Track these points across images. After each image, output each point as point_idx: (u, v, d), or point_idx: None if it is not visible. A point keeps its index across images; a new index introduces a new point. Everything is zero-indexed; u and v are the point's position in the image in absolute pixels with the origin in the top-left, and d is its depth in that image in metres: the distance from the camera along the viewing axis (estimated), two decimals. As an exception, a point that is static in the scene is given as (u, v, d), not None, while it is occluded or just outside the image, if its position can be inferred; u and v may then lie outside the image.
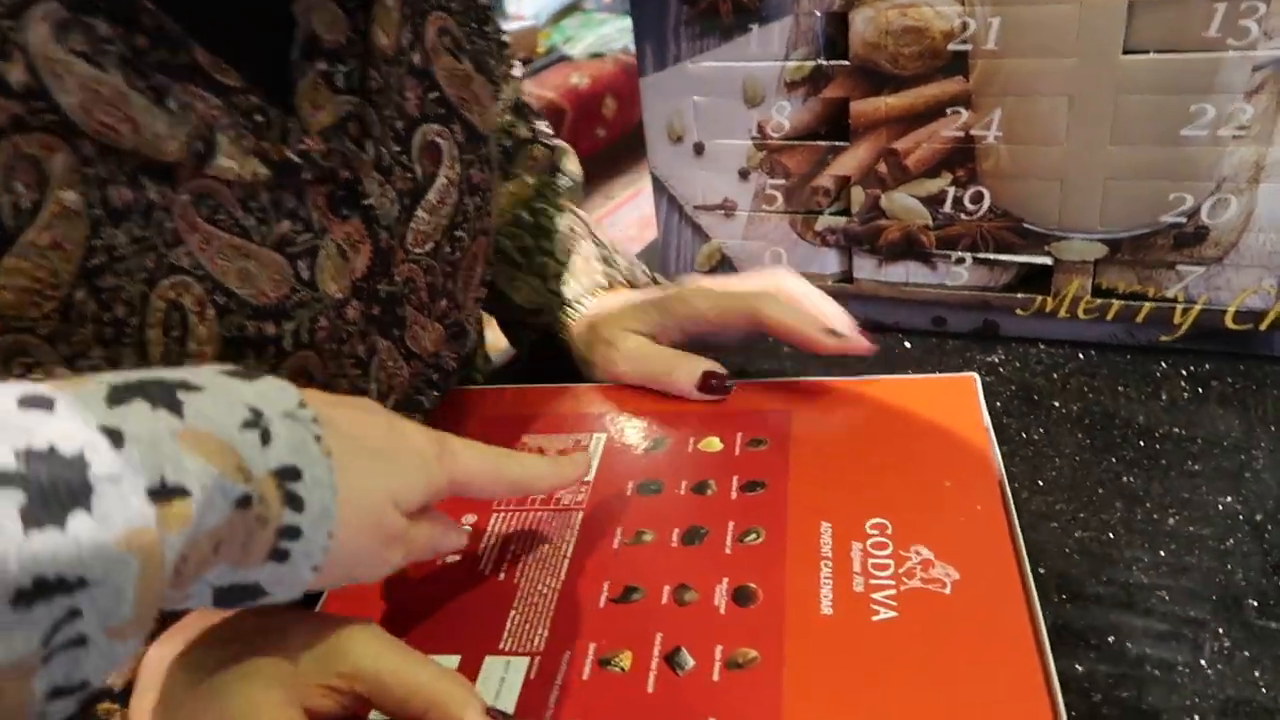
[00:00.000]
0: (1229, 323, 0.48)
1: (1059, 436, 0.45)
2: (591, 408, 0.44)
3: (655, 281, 0.54)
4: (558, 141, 0.60)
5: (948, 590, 0.32)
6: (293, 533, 0.25)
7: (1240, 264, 0.47)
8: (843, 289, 0.56)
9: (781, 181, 0.54)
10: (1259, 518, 0.39)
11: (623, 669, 0.31)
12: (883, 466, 0.38)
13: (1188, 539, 0.39)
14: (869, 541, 0.34)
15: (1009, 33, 0.45)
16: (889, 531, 0.34)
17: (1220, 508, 0.40)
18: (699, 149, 0.55)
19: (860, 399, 0.39)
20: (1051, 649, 0.30)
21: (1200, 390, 0.47)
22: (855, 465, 0.38)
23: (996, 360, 0.52)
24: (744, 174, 0.55)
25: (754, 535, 0.35)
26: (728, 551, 0.35)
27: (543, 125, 0.59)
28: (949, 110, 0.48)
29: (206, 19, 0.32)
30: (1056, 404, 0.48)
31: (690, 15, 0.51)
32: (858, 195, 0.52)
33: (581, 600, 0.34)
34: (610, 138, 2.61)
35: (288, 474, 0.25)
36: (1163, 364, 0.50)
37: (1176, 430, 0.45)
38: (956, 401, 0.41)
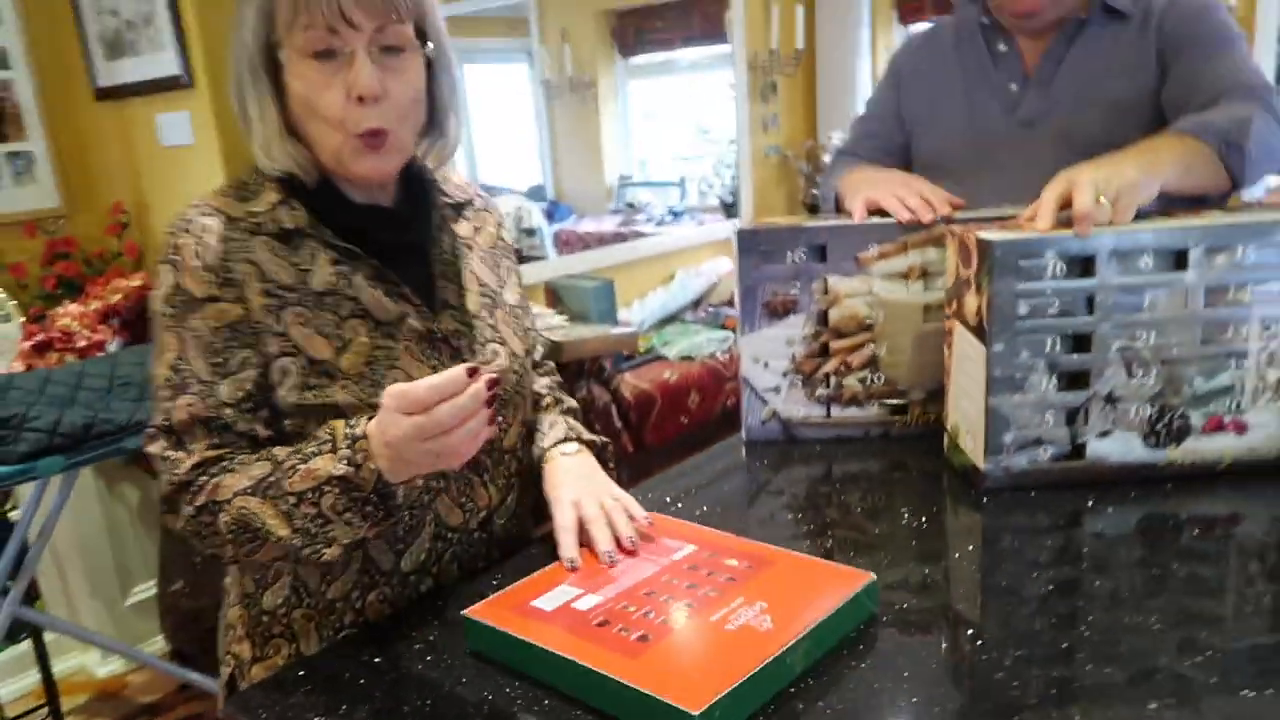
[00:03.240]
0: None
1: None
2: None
3: (591, 440, 1.13)
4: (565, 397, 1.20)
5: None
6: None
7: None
8: (823, 419, 1.32)
9: (798, 376, 1.32)
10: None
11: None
12: (769, 583, 0.85)
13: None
14: (758, 607, 0.81)
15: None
16: (767, 609, 0.81)
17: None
18: (765, 364, 1.34)
19: (782, 563, 0.89)
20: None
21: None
22: (757, 583, 0.85)
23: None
24: (784, 373, 1.33)
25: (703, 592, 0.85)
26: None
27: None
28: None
29: (388, 255, 0.95)
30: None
31: (764, 311, 1.31)
32: (823, 374, 1.31)
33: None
34: (691, 426, 3.16)
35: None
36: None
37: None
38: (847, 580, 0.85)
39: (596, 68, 4.75)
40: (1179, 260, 1.04)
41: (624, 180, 5.02)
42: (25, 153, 2.60)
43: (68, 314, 2.33)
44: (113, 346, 2.31)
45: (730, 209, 4.64)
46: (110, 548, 2.59)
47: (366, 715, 0.80)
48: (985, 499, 1.10)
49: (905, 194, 1.25)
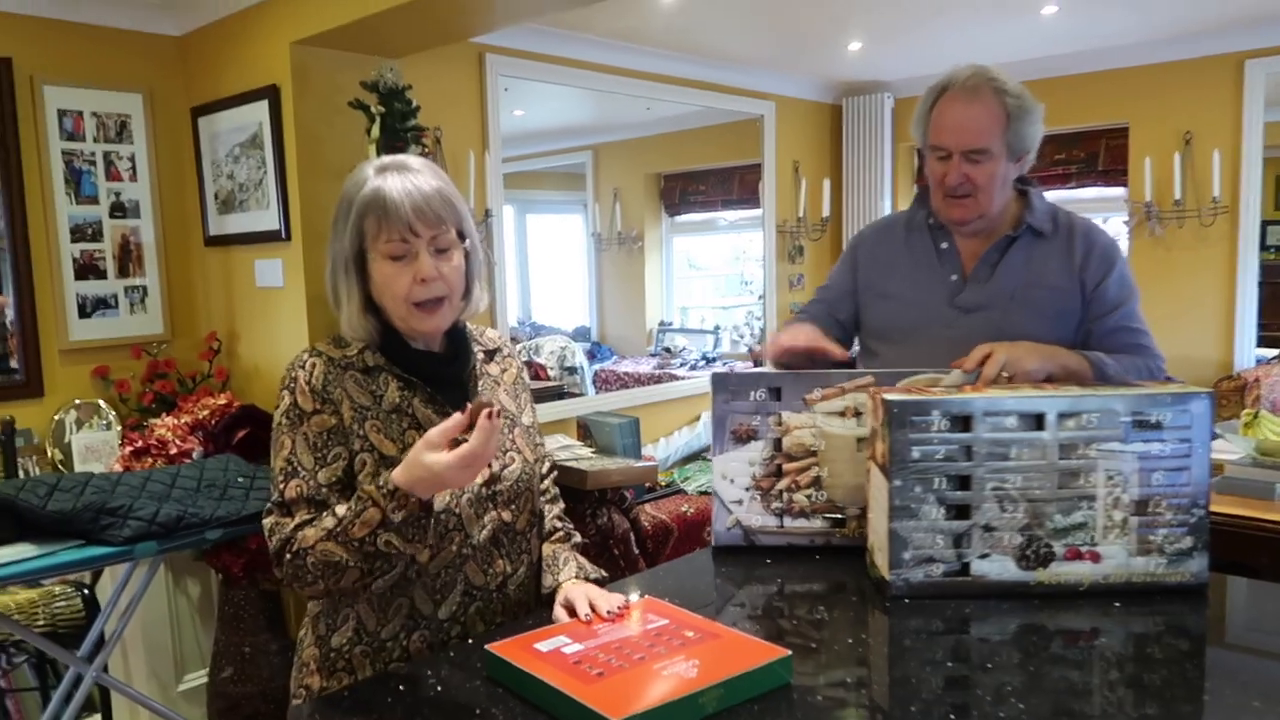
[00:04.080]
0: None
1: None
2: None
3: (596, 578, 1.39)
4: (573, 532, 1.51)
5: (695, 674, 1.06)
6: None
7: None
8: (777, 528, 1.61)
9: (757, 491, 1.62)
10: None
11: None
12: (708, 650, 1.11)
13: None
14: (692, 663, 1.08)
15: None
16: (698, 665, 1.07)
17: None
18: (731, 480, 1.63)
19: (725, 637, 1.15)
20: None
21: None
22: (699, 649, 1.11)
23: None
24: (746, 488, 1.63)
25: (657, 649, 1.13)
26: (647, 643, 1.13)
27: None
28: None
29: (438, 385, 1.31)
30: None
31: (731, 437, 1.63)
32: (783, 490, 1.60)
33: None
34: (704, 553, 3.51)
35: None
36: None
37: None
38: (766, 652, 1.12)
39: (644, 223, 5.24)
40: (1038, 421, 1.34)
41: (664, 326, 5.43)
42: (142, 286, 3.07)
43: (164, 425, 2.72)
44: (196, 454, 2.69)
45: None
46: (170, 635, 2.90)
47: (389, 724, 1.10)
48: (889, 604, 1.38)
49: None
